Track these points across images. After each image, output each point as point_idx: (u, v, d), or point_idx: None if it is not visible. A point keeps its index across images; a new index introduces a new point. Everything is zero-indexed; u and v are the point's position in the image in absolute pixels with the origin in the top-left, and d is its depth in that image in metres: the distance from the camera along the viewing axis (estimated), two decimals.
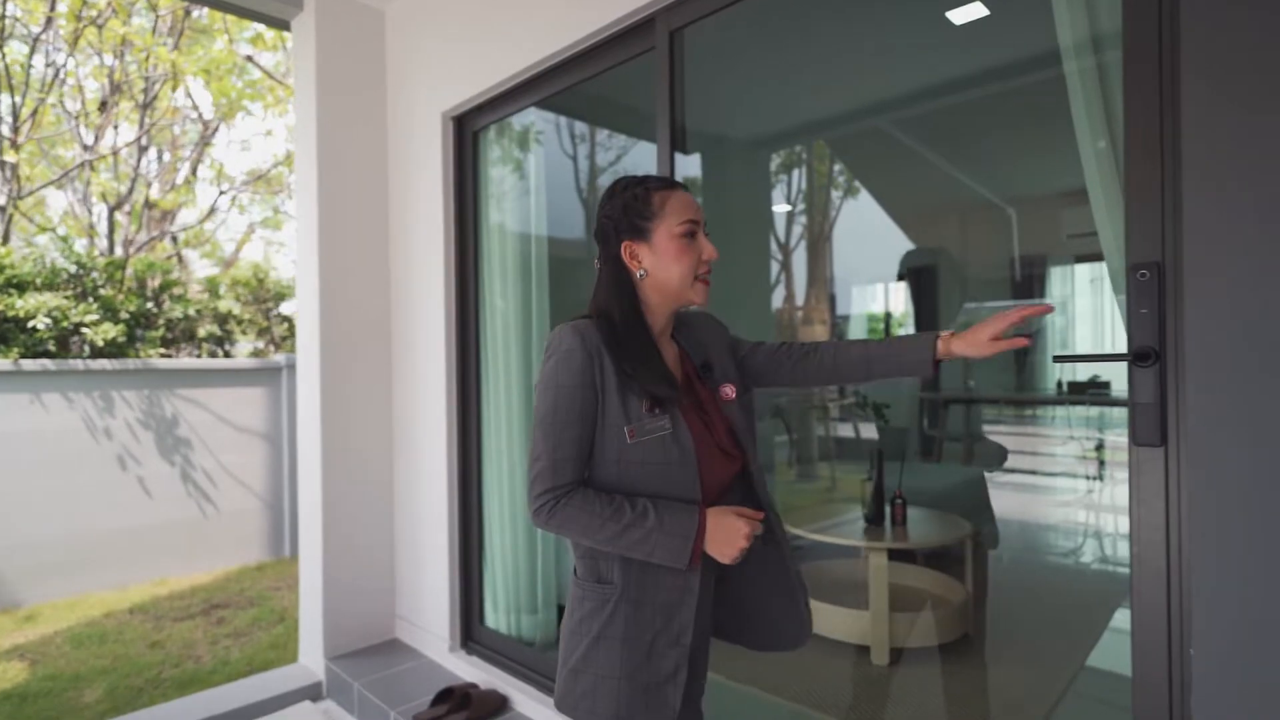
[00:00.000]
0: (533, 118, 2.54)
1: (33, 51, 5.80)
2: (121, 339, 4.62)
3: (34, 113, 5.90)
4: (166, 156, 7.62)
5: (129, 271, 5.09)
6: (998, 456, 3.23)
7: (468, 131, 2.61)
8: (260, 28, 6.32)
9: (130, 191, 6.67)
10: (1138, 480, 1.16)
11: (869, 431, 3.82)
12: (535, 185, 2.55)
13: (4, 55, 5.56)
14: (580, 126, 2.98)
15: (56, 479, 4.11)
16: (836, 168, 4.01)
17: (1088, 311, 2.86)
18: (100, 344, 4.48)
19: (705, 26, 1.86)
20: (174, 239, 7.70)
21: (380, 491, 2.84)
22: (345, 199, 2.74)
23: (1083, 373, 2.99)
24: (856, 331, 3.83)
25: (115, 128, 6.71)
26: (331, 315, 2.69)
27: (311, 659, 2.73)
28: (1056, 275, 3.10)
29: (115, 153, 6.73)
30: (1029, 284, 3.17)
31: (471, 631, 2.60)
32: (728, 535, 0.99)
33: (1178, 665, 1.12)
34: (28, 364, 4.04)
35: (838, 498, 3.72)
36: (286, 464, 4.99)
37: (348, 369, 2.73)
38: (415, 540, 2.76)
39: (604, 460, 1.01)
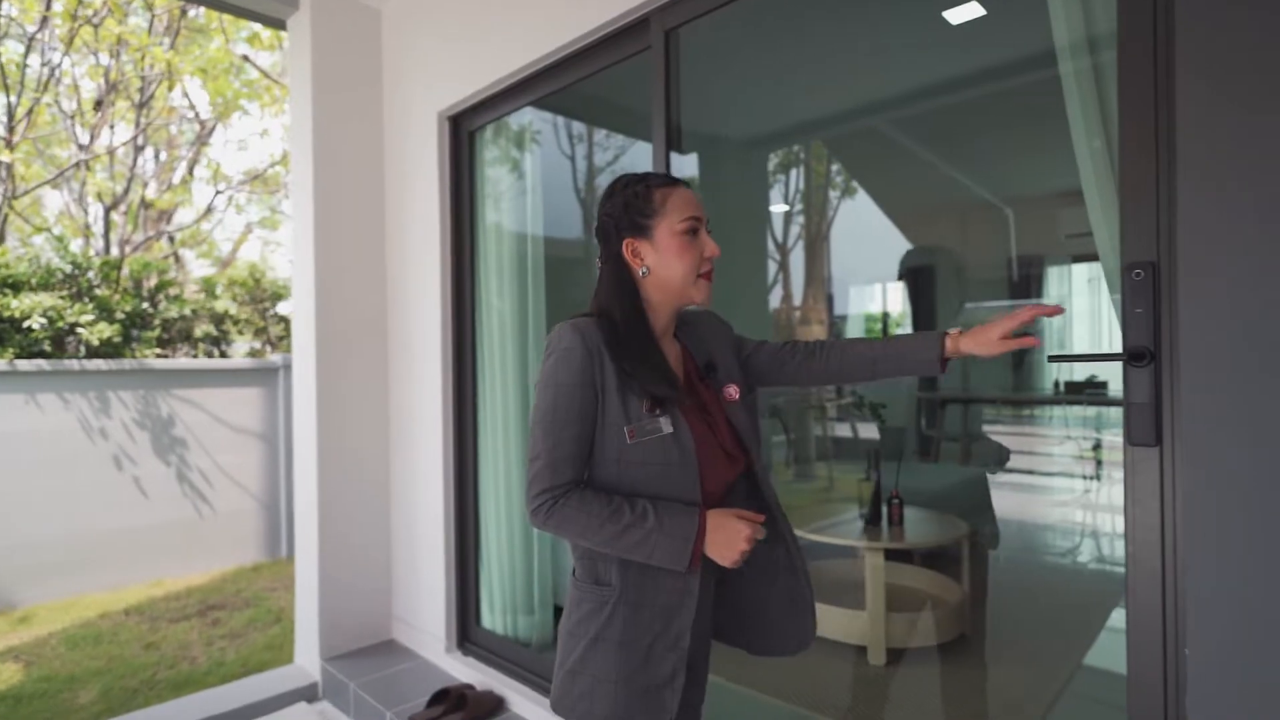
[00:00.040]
0: (529, 118, 2.54)
1: (28, 51, 5.78)
2: (117, 339, 4.60)
3: (29, 112, 5.88)
4: (163, 156, 7.60)
5: (125, 271, 5.07)
6: (1000, 457, 3.22)
7: (464, 131, 2.60)
8: (257, 27, 6.31)
9: (126, 191, 6.66)
10: (1133, 480, 1.15)
11: (867, 431, 3.83)
12: (531, 185, 2.55)
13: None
14: (576, 127, 2.98)
15: (52, 479, 4.09)
16: (834, 168, 4.01)
17: (1085, 311, 2.86)
18: (95, 344, 4.46)
19: (701, 26, 1.86)
20: (170, 239, 7.68)
21: (376, 491, 2.83)
22: (341, 198, 2.73)
23: (1080, 372, 3.00)
24: (854, 331, 3.83)
25: (111, 127, 6.70)
26: (327, 314, 2.68)
27: (307, 660, 2.72)
28: (1054, 275, 3.11)
29: (111, 152, 6.71)
30: (1026, 284, 3.17)
31: (468, 632, 2.60)
32: (728, 538, 0.98)
33: (1173, 665, 1.11)
34: (23, 364, 4.03)
35: (835, 497, 3.72)
36: (283, 464, 4.97)
37: (344, 368, 2.72)
38: (411, 540, 2.76)
39: (604, 460, 1.00)
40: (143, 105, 6.57)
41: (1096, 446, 3.04)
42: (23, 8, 5.70)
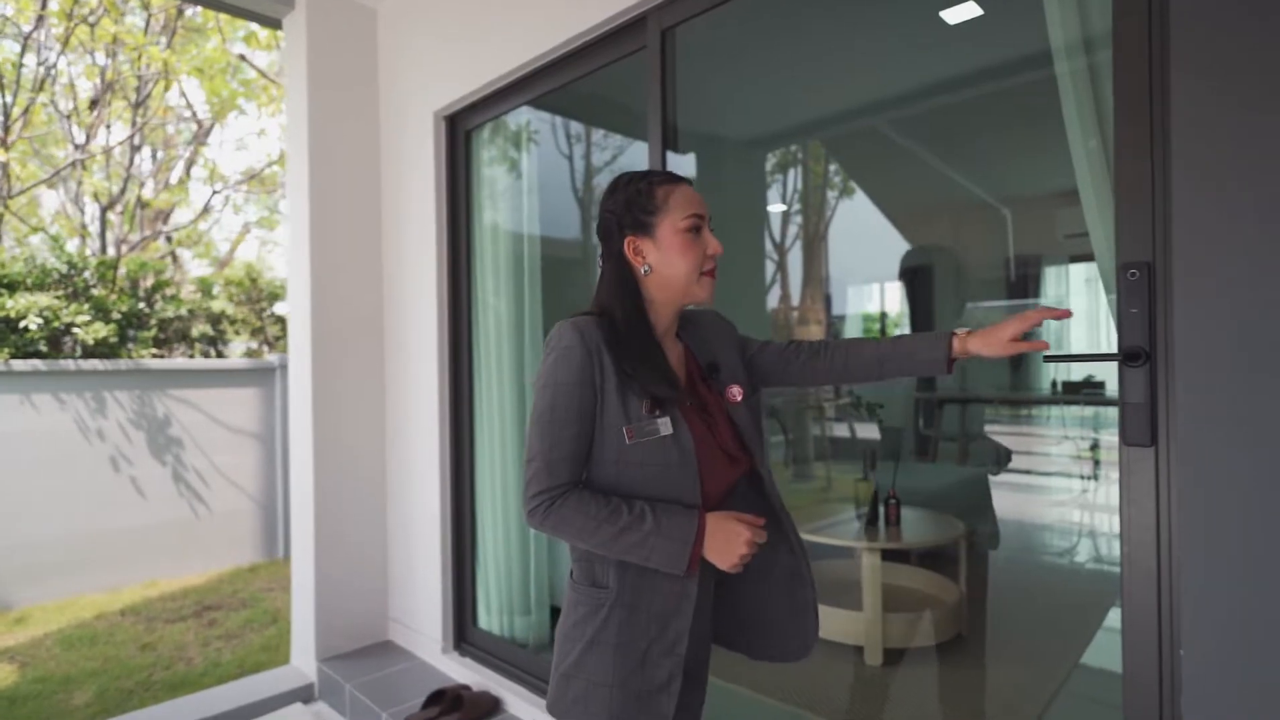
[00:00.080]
0: (526, 117, 2.53)
1: (24, 50, 5.77)
2: (113, 339, 4.59)
3: (25, 111, 5.86)
4: (160, 156, 7.58)
5: (121, 271, 5.06)
6: (1001, 457, 3.21)
7: (460, 130, 2.60)
8: (254, 26, 6.29)
9: (123, 191, 6.64)
10: (1128, 480, 1.15)
11: (865, 431, 3.82)
12: (528, 185, 2.54)
13: None
14: (573, 126, 2.97)
15: (47, 480, 4.08)
16: (832, 167, 4.01)
17: (1082, 311, 2.86)
18: (91, 344, 4.45)
19: (698, 26, 1.85)
20: (168, 239, 7.66)
21: (372, 490, 2.82)
22: (337, 198, 2.72)
23: (1078, 372, 3.00)
24: (852, 331, 3.83)
25: (108, 127, 6.68)
26: (323, 313, 2.67)
27: (303, 661, 2.72)
28: (1051, 275, 3.11)
29: (107, 152, 6.69)
30: (1024, 284, 3.17)
31: (464, 633, 2.59)
32: (727, 541, 0.96)
33: (1168, 665, 1.11)
34: (18, 364, 4.02)
35: (833, 498, 3.71)
36: (280, 465, 4.96)
37: (339, 367, 2.72)
38: (408, 540, 2.75)
39: (602, 460, 0.99)
40: (139, 105, 6.55)
41: (1094, 446, 3.04)
42: (18, 7, 5.68)
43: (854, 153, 3.84)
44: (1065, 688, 2.10)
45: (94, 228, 6.78)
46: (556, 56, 2.14)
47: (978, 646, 2.42)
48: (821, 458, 3.97)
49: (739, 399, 1.09)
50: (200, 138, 7.53)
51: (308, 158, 2.64)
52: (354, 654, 2.68)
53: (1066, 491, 3.14)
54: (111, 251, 6.47)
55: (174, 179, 7.50)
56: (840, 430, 4.00)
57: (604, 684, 0.98)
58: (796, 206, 4.01)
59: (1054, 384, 3.22)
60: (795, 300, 4.06)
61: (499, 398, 2.51)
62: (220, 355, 5.59)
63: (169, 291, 5.30)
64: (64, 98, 6.50)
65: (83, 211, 6.88)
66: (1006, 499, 3.11)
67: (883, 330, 3.70)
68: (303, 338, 2.68)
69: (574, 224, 3.06)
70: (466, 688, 2.30)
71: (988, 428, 3.35)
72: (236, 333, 5.68)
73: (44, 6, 5.69)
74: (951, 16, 2.28)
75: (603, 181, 3.01)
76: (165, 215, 7.45)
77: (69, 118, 6.45)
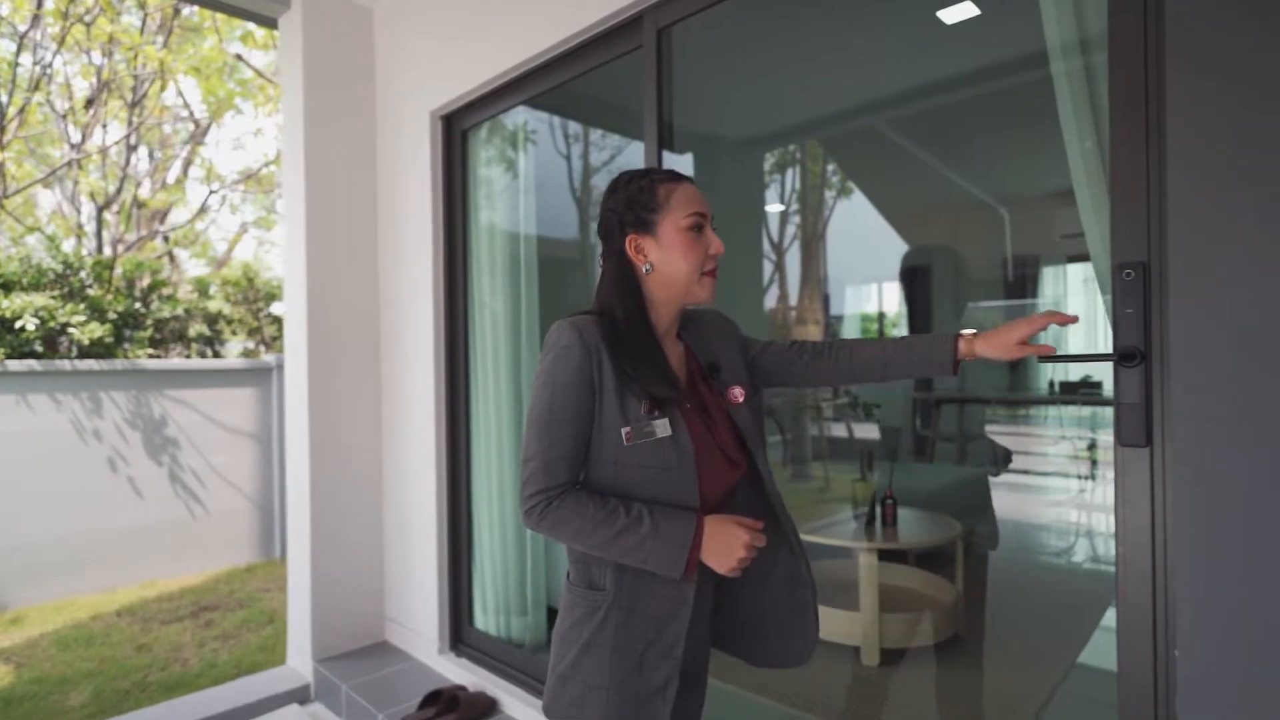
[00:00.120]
0: (523, 117, 2.53)
1: (20, 49, 5.75)
2: (109, 339, 4.58)
3: (21, 110, 5.85)
4: (157, 155, 7.57)
5: (118, 271, 5.05)
6: (1001, 458, 3.21)
7: (456, 130, 2.59)
8: (251, 26, 6.28)
9: (119, 191, 6.63)
10: (1123, 480, 1.15)
11: (863, 431, 3.82)
12: (524, 184, 2.54)
13: None
14: (569, 126, 2.96)
15: (43, 480, 4.07)
16: (829, 167, 4.01)
17: (1080, 312, 2.85)
18: (87, 344, 4.44)
19: (695, 26, 1.85)
20: (165, 239, 7.65)
21: (369, 490, 2.82)
22: (333, 197, 2.72)
23: (1075, 372, 3.00)
24: (850, 331, 3.83)
25: (104, 126, 6.66)
26: (319, 313, 2.67)
27: (300, 661, 2.71)
28: (1049, 275, 3.11)
29: (103, 151, 6.68)
30: (1022, 284, 3.17)
31: (461, 633, 2.59)
32: (726, 545, 0.95)
33: (1163, 666, 1.11)
34: (14, 364, 4.00)
35: (830, 498, 3.71)
36: (277, 465, 4.96)
37: (336, 366, 2.71)
38: (404, 540, 2.74)
39: (600, 461, 0.98)
40: (135, 104, 6.54)
41: (1091, 446, 3.04)
42: (14, 5, 5.67)
43: (852, 152, 3.84)
44: (1062, 687, 2.10)
45: (90, 227, 6.77)
46: (552, 56, 2.14)
47: (975, 647, 2.42)
48: (819, 458, 3.97)
49: (741, 400, 1.08)
50: (197, 137, 7.52)
51: (304, 158, 2.64)
52: (350, 654, 2.68)
53: (1064, 491, 3.14)
54: (108, 251, 6.45)
55: (171, 179, 7.49)
56: (838, 430, 4.00)
57: (600, 686, 0.97)
58: (794, 206, 4.01)
59: (1051, 384, 3.22)
60: (793, 300, 4.06)
61: (495, 397, 2.51)
62: (217, 355, 5.58)
63: (165, 291, 5.29)
64: (60, 97, 6.48)
65: (79, 211, 6.87)
66: (1004, 499, 3.11)
67: (881, 330, 3.70)
68: (299, 338, 2.68)
69: (571, 224, 3.06)
70: (463, 688, 2.29)
71: (986, 428, 3.35)
72: (233, 333, 5.66)
73: (40, 6, 5.67)
74: (949, 16, 2.28)
75: (600, 181, 3.01)
76: (162, 215, 7.44)
77: (65, 117, 6.44)
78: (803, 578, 1.09)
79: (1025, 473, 3.25)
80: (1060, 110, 1.30)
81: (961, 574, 2.50)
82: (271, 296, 5.82)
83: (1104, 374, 2.67)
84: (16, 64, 5.73)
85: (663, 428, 0.97)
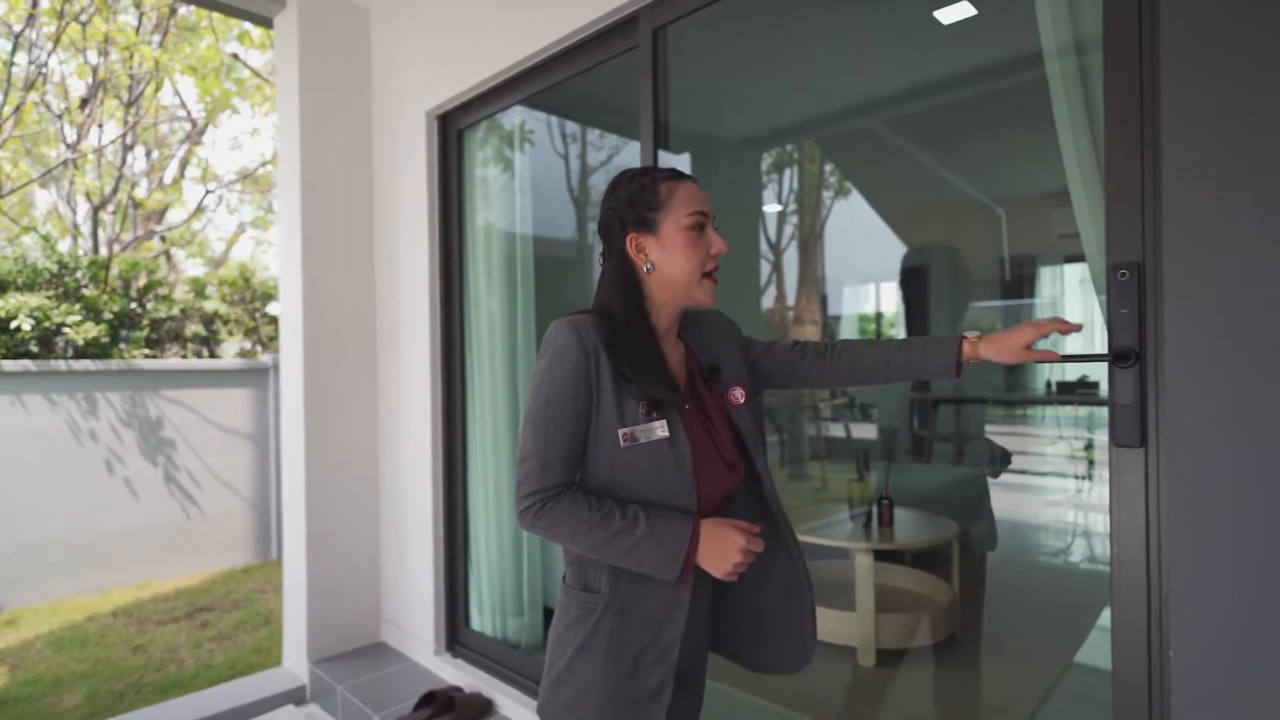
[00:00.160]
0: (520, 117, 2.52)
1: (15, 48, 5.73)
2: (104, 339, 4.57)
3: (17, 110, 5.83)
4: (154, 155, 7.55)
5: (114, 271, 5.03)
6: (1000, 459, 3.20)
7: (452, 130, 2.59)
8: (248, 25, 6.27)
9: (115, 190, 6.61)
10: (1118, 481, 1.15)
11: (860, 432, 3.82)
12: (520, 184, 2.53)
13: None
14: (566, 125, 2.96)
15: (39, 481, 4.06)
16: (827, 168, 4.01)
17: (1077, 312, 2.86)
18: (82, 344, 4.43)
19: (692, 26, 1.84)
20: (161, 238, 7.63)
21: (365, 491, 2.81)
22: (329, 197, 2.71)
23: (1072, 373, 3.00)
24: (848, 331, 3.83)
25: (100, 126, 6.65)
26: (315, 313, 2.66)
27: (295, 662, 2.70)
28: (1046, 275, 3.11)
29: (99, 151, 6.66)
30: (1019, 284, 3.17)
31: (457, 634, 2.58)
32: (722, 549, 0.94)
33: (1157, 667, 1.11)
34: (9, 365, 3.99)
35: (827, 498, 3.71)
36: (274, 465, 4.94)
37: (332, 366, 2.70)
38: (400, 541, 2.74)
39: (596, 463, 0.97)
40: (131, 104, 6.52)
41: (1088, 446, 3.05)
42: (10, 5, 5.65)
43: (849, 152, 3.84)
44: (1058, 687, 2.10)
45: (86, 227, 6.75)
46: (548, 56, 2.13)
47: (972, 647, 2.42)
48: (817, 458, 3.97)
49: (741, 401, 1.07)
50: (194, 137, 7.50)
51: (299, 157, 2.63)
52: (346, 655, 2.67)
53: (1061, 491, 3.15)
54: (104, 251, 6.43)
55: (168, 178, 7.47)
56: (836, 430, 4.00)
57: (593, 689, 0.96)
58: (792, 206, 4.01)
59: (1048, 384, 3.22)
60: (791, 301, 4.06)
61: (492, 398, 2.50)
62: (213, 356, 5.57)
63: (161, 291, 5.28)
64: (56, 96, 6.46)
65: (74, 211, 6.85)
66: (1001, 499, 3.11)
67: (878, 330, 3.70)
68: (295, 338, 2.67)
69: (567, 224, 3.05)
70: (459, 689, 2.29)
71: (985, 428, 3.35)
72: (230, 333, 5.65)
73: (35, 5, 5.65)
74: (945, 16, 2.28)
75: (596, 181, 3.00)
76: (159, 215, 7.42)
77: (61, 116, 6.42)
78: (800, 583, 1.08)
79: (1022, 473, 3.25)
80: (1055, 111, 1.30)
81: (958, 574, 2.50)
82: (268, 296, 5.81)
83: (1101, 374, 2.67)
84: (12, 63, 5.71)
85: (661, 430, 0.96)
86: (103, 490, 4.29)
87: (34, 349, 4.31)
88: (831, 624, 2.30)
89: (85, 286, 4.71)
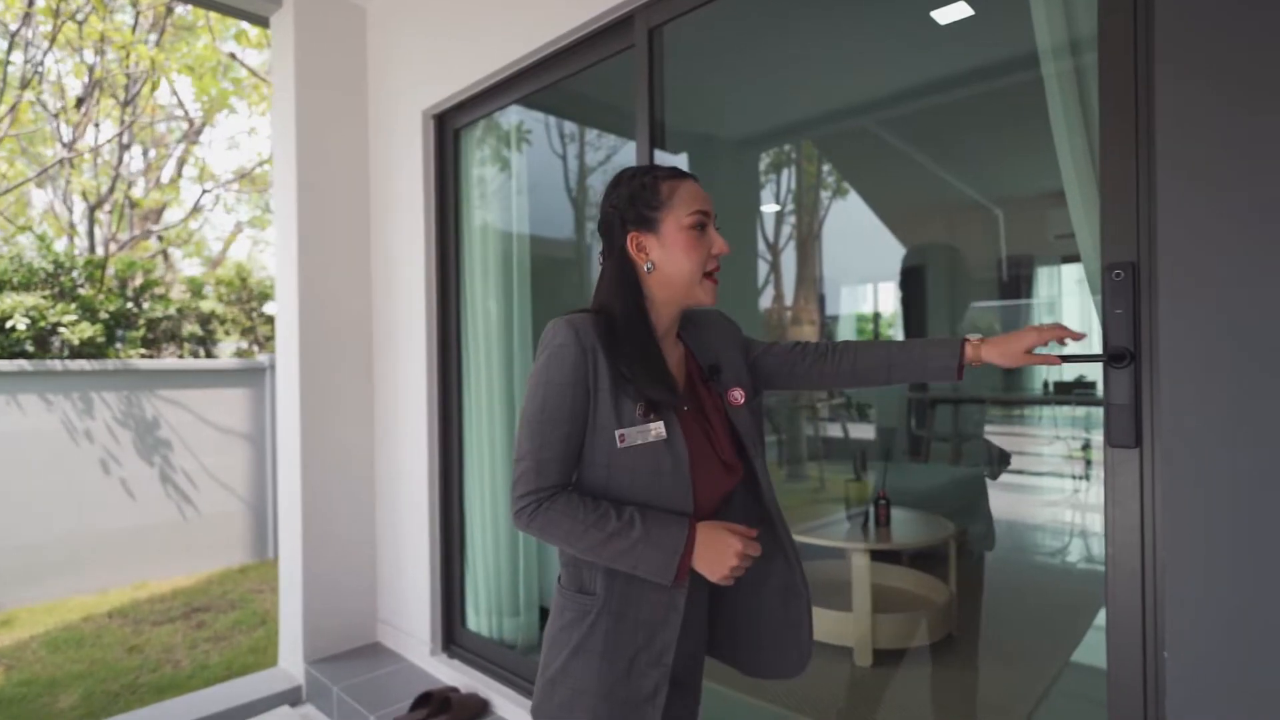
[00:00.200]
0: (516, 117, 2.52)
1: (11, 47, 5.72)
2: (100, 339, 4.55)
3: (12, 109, 5.81)
4: (151, 154, 7.53)
5: (110, 271, 5.02)
6: (998, 459, 3.20)
7: (448, 130, 2.58)
8: (245, 25, 6.25)
9: (111, 190, 6.59)
10: (1113, 481, 1.15)
11: (857, 432, 3.82)
12: (517, 184, 2.53)
13: None
14: (562, 125, 2.96)
15: (34, 481, 4.04)
16: (825, 168, 4.01)
17: (1074, 312, 2.86)
18: (77, 344, 4.41)
19: (688, 25, 1.84)
20: (158, 238, 7.61)
21: (361, 491, 2.81)
22: (325, 196, 2.70)
23: (1069, 373, 3.00)
24: (846, 331, 3.83)
25: (96, 125, 6.63)
26: (311, 312, 2.65)
27: (291, 663, 2.70)
28: (1044, 275, 3.11)
29: (95, 150, 6.64)
30: (1016, 284, 3.17)
31: (453, 634, 2.58)
32: (718, 553, 0.93)
33: (1152, 667, 1.11)
34: (4, 364, 3.98)
35: (825, 498, 3.71)
36: (270, 465, 4.93)
37: (328, 366, 2.70)
38: (396, 541, 2.73)
39: (593, 463, 0.96)
40: (128, 103, 6.51)
41: (1085, 447, 3.05)
42: (5, 4, 5.63)
43: (846, 153, 3.84)
44: (1055, 687, 2.10)
45: (82, 227, 6.73)
46: (544, 55, 2.13)
47: (969, 647, 2.42)
48: (814, 458, 3.97)
49: (741, 402, 1.06)
50: (191, 136, 7.49)
51: (296, 157, 2.62)
52: (342, 656, 2.67)
53: (1058, 491, 3.15)
54: (100, 251, 6.42)
55: (164, 178, 7.45)
56: (833, 430, 4.00)
57: (588, 691, 0.96)
58: (790, 206, 4.01)
59: (1045, 384, 3.22)
60: (789, 301, 4.06)
61: (488, 398, 2.50)
62: (210, 355, 5.56)
63: (158, 291, 5.27)
64: (52, 96, 6.44)
65: (71, 210, 6.83)
66: (998, 499, 3.11)
67: (876, 331, 3.70)
68: (291, 338, 2.67)
69: (564, 224, 3.05)
70: (455, 689, 2.28)
71: (984, 428, 3.34)
72: (226, 333, 5.64)
73: (31, 4, 5.64)
74: (942, 16, 2.28)
75: (594, 181, 3.00)
76: (156, 214, 7.40)
77: (57, 116, 6.40)
78: (798, 588, 1.08)
79: (1019, 472, 3.25)
80: (1051, 110, 1.29)
81: (955, 574, 2.50)
82: (265, 296, 5.80)
83: (1098, 374, 2.66)
84: (8, 62, 5.70)
85: (658, 431, 0.95)
86: (99, 490, 4.28)
87: (30, 349, 4.30)
88: (828, 624, 2.30)
89: (81, 286, 4.70)
